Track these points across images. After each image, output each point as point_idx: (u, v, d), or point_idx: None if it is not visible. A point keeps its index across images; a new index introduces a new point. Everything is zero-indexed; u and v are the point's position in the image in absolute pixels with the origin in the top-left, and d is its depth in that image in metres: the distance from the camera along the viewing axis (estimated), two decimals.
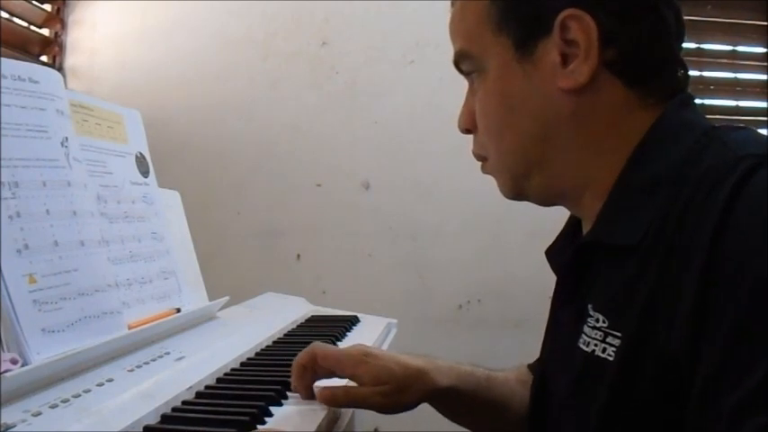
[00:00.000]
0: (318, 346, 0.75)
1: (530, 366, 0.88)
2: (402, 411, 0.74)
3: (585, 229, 0.69)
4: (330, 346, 0.78)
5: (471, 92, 0.71)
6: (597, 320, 0.61)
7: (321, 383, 0.74)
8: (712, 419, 0.48)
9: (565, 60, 0.62)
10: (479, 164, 0.74)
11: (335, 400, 0.71)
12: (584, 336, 0.62)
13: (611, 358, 0.58)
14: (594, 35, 0.60)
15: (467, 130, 0.72)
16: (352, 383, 0.74)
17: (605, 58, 0.61)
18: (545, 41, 0.62)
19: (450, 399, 0.77)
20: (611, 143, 0.63)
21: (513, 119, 0.66)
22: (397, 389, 0.72)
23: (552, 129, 0.64)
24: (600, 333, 0.60)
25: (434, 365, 0.77)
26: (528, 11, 0.63)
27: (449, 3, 0.72)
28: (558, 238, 0.76)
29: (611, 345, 0.58)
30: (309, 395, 0.72)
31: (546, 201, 0.71)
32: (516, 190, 0.70)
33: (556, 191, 0.68)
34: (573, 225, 0.75)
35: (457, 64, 0.70)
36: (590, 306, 0.62)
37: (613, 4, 0.61)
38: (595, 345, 0.60)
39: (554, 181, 0.67)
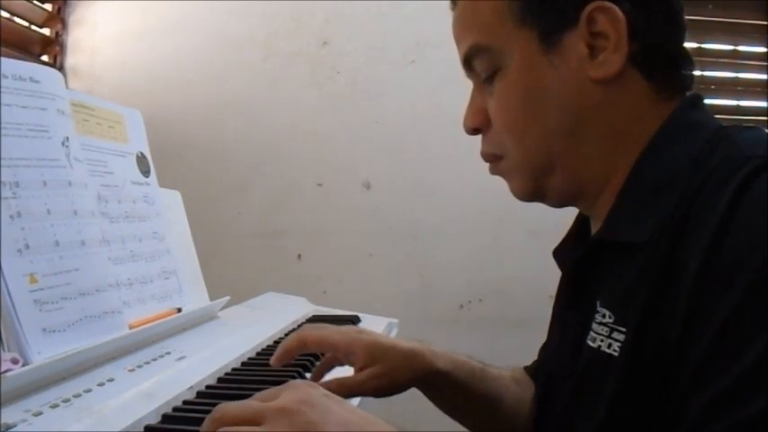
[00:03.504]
0: (308, 331, 0.74)
1: (526, 368, 0.88)
2: (395, 393, 0.74)
3: (594, 227, 0.69)
4: (320, 328, 0.76)
5: (479, 89, 0.70)
6: (604, 316, 0.61)
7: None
8: (693, 415, 0.48)
9: (591, 52, 0.62)
10: (481, 163, 0.73)
11: None
12: (591, 332, 0.62)
13: (616, 354, 0.58)
14: (624, 26, 0.61)
15: (475, 130, 0.71)
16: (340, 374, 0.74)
17: (630, 49, 0.62)
18: (570, 33, 0.63)
19: (443, 384, 0.77)
20: (631, 137, 0.63)
21: (539, 112, 0.65)
22: (390, 368, 0.72)
23: (579, 121, 0.64)
24: (606, 329, 0.60)
25: (428, 348, 0.77)
26: (553, 3, 0.63)
27: (448, 3, 0.71)
28: (565, 238, 0.76)
29: (617, 340, 0.58)
30: None
31: (564, 200, 0.70)
32: (535, 188, 0.69)
33: (577, 187, 0.67)
34: (580, 224, 0.75)
35: (468, 61, 0.69)
36: (598, 302, 0.62)
37: None
38: (601, 340, 0.60)
39: (576, 177, 0.66)
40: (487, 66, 0.67)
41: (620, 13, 0.61)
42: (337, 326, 0.78)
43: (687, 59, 0.66)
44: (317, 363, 0.81)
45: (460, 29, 0.69)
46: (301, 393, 0.53)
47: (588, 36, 0.62)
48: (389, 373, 0.72)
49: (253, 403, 0.52)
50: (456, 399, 0.80)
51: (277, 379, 0.75)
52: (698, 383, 0.49)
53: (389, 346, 0.74)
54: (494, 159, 0.71)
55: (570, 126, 0.64)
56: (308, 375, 0.78)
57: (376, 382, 0.71)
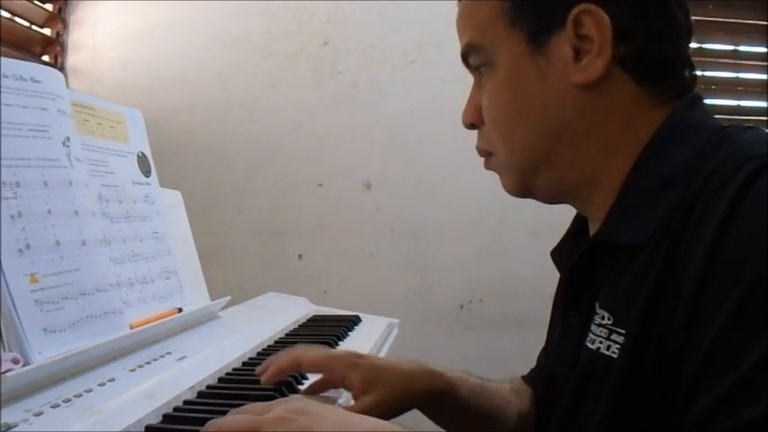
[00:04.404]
0: (303, 352, 0.73)
1: (524, 378, 0.87)
2: (396, 416, 0.72)
3: (593, 228, 0.69)
4: (316, 350, 0.75)
5: (477, 86, 0.70)
6: (603, 318, 0.60)
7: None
8: (694, 417, 0.48)
9: (577, 55, 0.62)
10: (481, 163, 0.73)
11: None
12: (590, 334, 0.62)
13: (615, 356, 0.58)
14: (608, 30, 0.60)
15: (471, 125, 0.71)
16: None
17: (618, 54, 0.61)
18: (558, 36, 0.62)
19: (443, 404, 0.76)
20: (621, 140, 0.63)
21: (523, 113, 0.65)
22: (389, 393, 0.70)
23: (563, 123, 0.64)
24: (605, 330, 0.60)
25: (427, 369, 0.76)
26: (542, 5, 0.63)
27: (450, 2, 0.72)
28: (563, 239, 0.76)
29: (616, 342, 0.58)
30: None
31: (553, 198, 0.70)
32: (523, 187, 0.69)
33: (564, 188, 0.68)
34: (578, 225, 0.74)
35: (465, 57, 0.70)
36: (597, 304, 0.62)
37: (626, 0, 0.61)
38: (600, 342, 0.60)
39: (562, 177, 0.66)
40: (480, 64, 0.68)
41: (604, 17, 0.60)
42: (333, 349, 0.77)
43: (687, 63, 0.65)
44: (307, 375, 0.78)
45: (460, 26, 0.70)
46: (295, 404, 0.53)
47: (575, 39, 0.62)
48: (389, 398, 0.70)
49: (247, 416, 0.52)
50: (458, 417, 0.79)
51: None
52: (699, 385, 0.48)
53: (387, 369, 0.72)
54: (486, 155, 0.72)
55: (553, 129, 0.64)
56: (304, 382, 0.77)
57: (378, 411, 0.68)
